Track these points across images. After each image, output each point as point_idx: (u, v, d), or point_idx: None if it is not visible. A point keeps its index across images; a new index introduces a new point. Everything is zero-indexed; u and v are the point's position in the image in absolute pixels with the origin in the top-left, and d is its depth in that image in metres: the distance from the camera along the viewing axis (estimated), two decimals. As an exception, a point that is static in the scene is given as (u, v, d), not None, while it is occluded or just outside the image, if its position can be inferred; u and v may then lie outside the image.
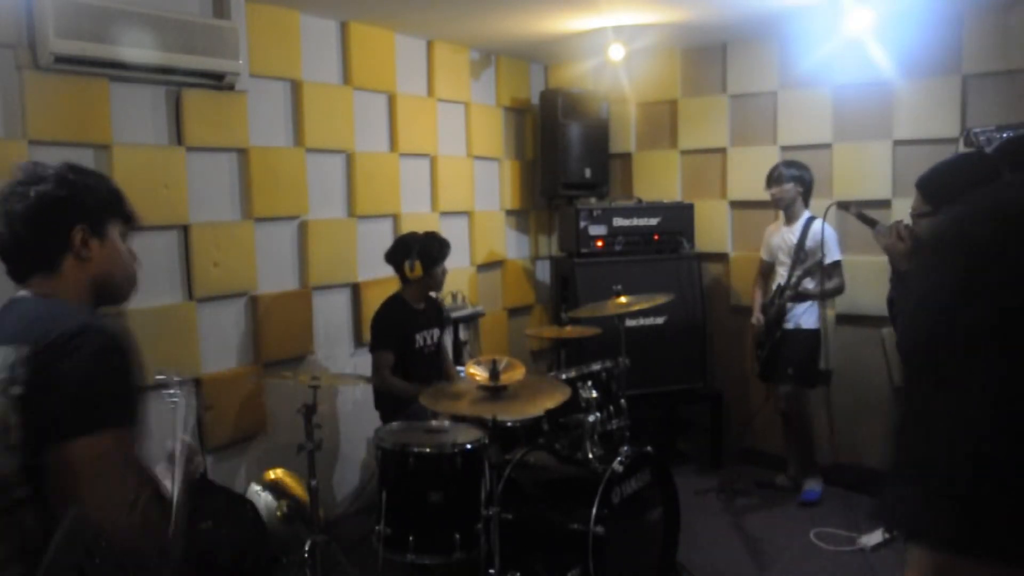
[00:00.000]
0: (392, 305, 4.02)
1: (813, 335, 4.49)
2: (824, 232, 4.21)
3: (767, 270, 4.78)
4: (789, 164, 4.53)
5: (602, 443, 3.43)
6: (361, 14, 4.42)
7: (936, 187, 2.28)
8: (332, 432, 4.45)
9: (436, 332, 4.12)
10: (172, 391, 1.91)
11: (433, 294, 4.19)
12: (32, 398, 1.46)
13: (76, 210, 1.64)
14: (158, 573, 1.56)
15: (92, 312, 1.63)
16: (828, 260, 4.29)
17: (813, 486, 4.53)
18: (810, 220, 4.42)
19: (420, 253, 3.94)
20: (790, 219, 4.52)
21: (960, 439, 0.58)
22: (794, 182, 4.43)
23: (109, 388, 1.49)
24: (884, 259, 4.64)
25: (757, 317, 4.61)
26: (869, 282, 4.50)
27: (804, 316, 4.43)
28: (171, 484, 1.65)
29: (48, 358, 1.46)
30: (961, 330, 0.57)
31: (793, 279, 4.35)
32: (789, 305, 4.40)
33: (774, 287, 4.57)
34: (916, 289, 0.63)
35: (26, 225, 1.60)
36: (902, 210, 4.70)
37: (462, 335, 5.10)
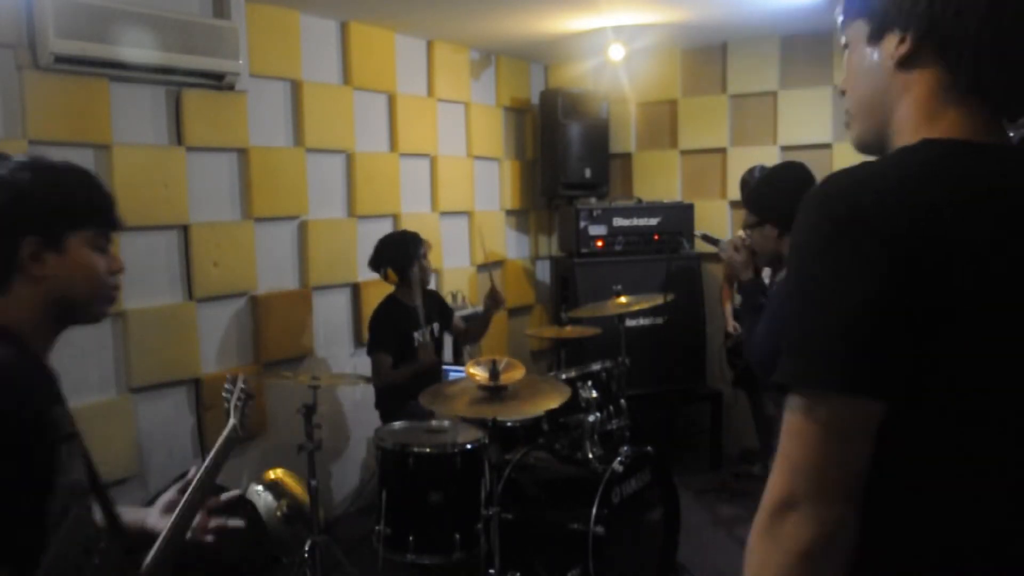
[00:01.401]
0: (387, 306, 4.02)
1: None
2: None
3: (735, 275, 4.75)
4: (763, 171, 4.41)
5: (602, 443, 3.42)
6: (361, 14, 4.42)
7: (756, 200, 2.58)
8: (332, 432, 4.44)
9: (436, 327, 4.12)
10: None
11: (430, 287, 4.20)
12: None
13: (24, 219, 1.34)
14: None
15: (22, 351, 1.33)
16: None
17: None
18: None
19: (390, 260, 3.96)
20: None
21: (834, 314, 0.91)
22: None
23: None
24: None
25: (733, 325, 4.51)
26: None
27: None
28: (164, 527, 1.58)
29: None
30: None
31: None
32: None
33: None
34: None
35: None
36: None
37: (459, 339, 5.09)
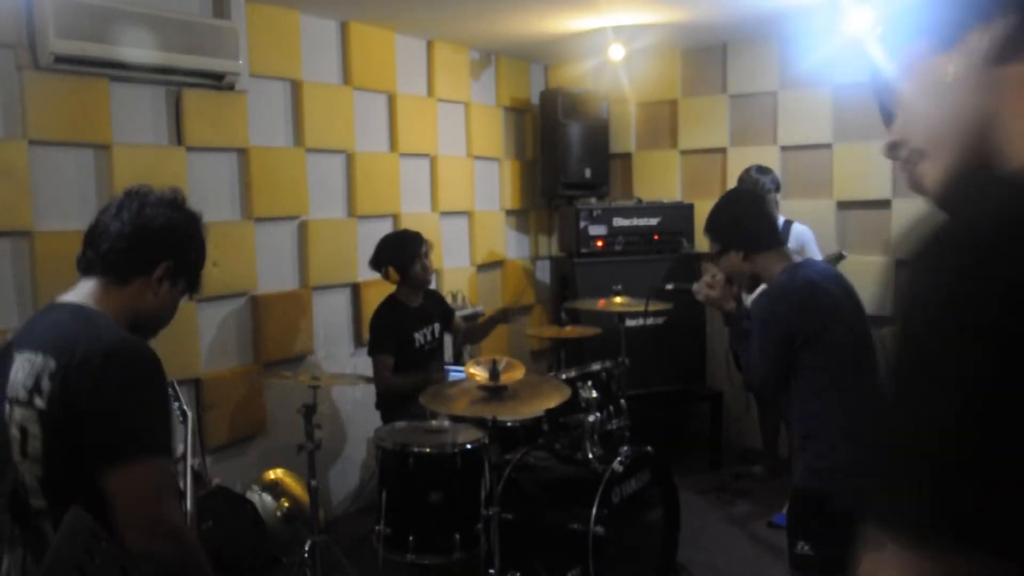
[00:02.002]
0: (388, 307, 4.02)
1: None
2: (805, 235, 4.24)
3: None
4: (761, 171, 4.37)
5: (602, 443, 3.42)
6: (361, 14, 4.42)
7: (713, 229, 2.63)
8: (332, 432, 4.44)
9: (437, 327, 4.12)
10: (179, 404, 1.97)
11: (431, 286, 4.20)
12: (55, 415, 1.46)
13: (178, 250, 1.71)
14: None
15: (124, 331, 1.61)
16: None
17: None
18: (788, 224, 4.32)
19: (391, 259, 3.96)
20: None
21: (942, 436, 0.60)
22: (775, 189, 4.32)
23: (139, 418, 1.48)
24: (882, 259, 4.68)
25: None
26: (865, 282, 4.48)
27: None
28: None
29: (76, 378, 1.46)
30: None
31: None
32: None
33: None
34: (905, 295, 0.66)
35: (135, 231, 1.65)
36: (902, 210, 4.72)
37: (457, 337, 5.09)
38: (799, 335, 2.32)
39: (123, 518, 1.42)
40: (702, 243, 5.31)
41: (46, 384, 1.47)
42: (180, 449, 1.81)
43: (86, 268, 1.68)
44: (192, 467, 1.81)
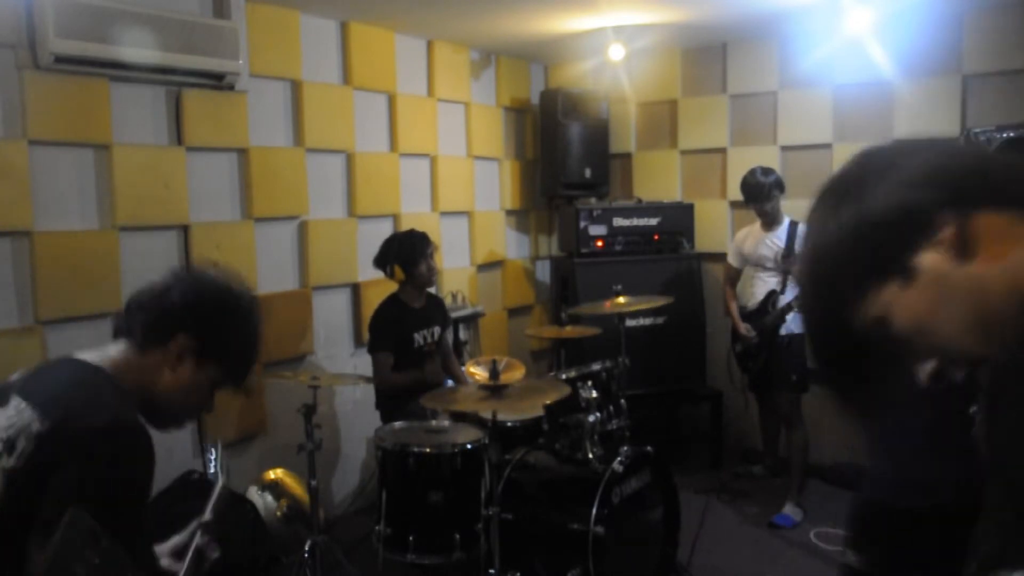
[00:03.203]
0: (389, 306, 4.02)
1: (804, 340, 4.43)
2: None
3: (736, 277, 4.73)
4: (765, 172, 4.35)
5: (602, 443, 3.42)
6: (361, 14, 4.42)
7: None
8: (332, 432, 4.45)
9: (437, 330, 4.12)
10: (210, 468, 1.86)
11: (432, 289, 4.20)
12: (20, 478, 1.34)
13: (204, 326, 1.55)
14: None
15: (127, 408, 1.46)
16: None
17: (792, 512, 4.34)
18: (794, 224, 4.33)
19: (397, 257, 3.96)
20: (770, 224, 4.39)
21: None
22: (779, 191, 4.31)
23: (113, 504, 1.34)
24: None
25: (747, 328, 4.46)
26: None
27: (794, 322, 4.33)
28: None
29: (58, 446, 1.34)
30: None
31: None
32: (793, 312, 4.31)
33: (761, 294, 4.44)
34: None
35: (158, 295, 1.55)
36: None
37: (462, 335, 5.10)
38: None
39: None
40: (702, 243, 5.33)
41: (22, 443, 1.35)
42: (180, 539, 1.70)
43: (116, 330, 1.57)
44: (198, 544, 1.67)
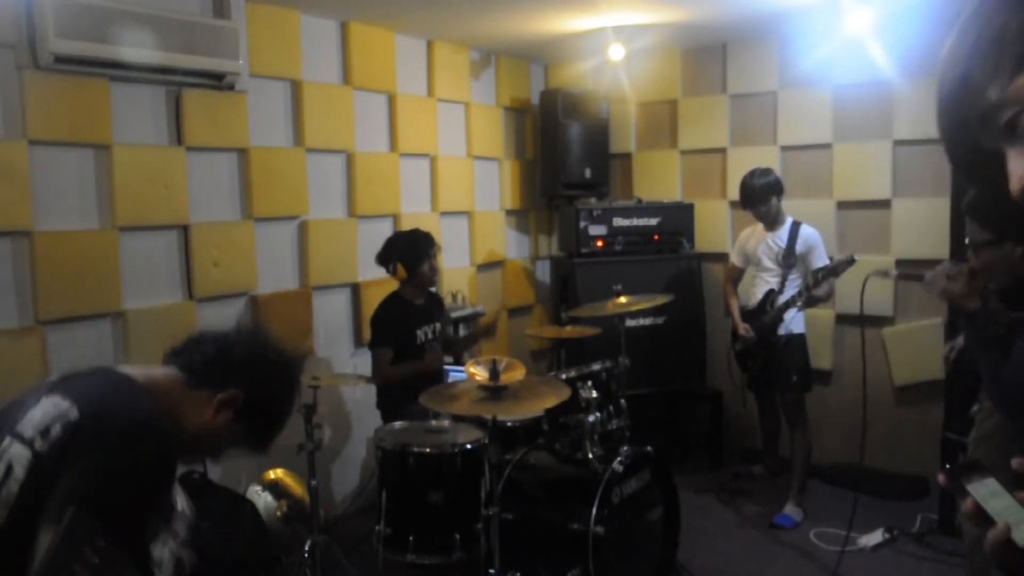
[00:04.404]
0: (391, 303, 4.03)
1: (804, 339, 4.44)
2: (813, 237, 4.24)
3: (738, 276, 4.72)
4: (762, 174, 4.34)
5: (602, 443, 3.42)
6: (361, 14, 4.42)
7: (997, 212, 2.16)
8: (332, 432, 4.45)
9: (437, 326, 4.14)
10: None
11: (433, 288, 4.21)
12: (46, 465, 1.37)
13: (256, 386, 1.64)
14: None
15: (158, 417, 1.51)
16: (819, 263, 4.23)
17: (793, 512, 4.33)
18: (796, 225, 4.32)
19: (400, 255, 3.96)
20: (773, 224, 4.38)
21: None
22: (774, 194, 4.30)
23: (111, 493, 1.38)
24: (886, 259, 4.68)
25: (746, 327, 4.44)
26: (870, 283, 4.48)
27: (794, 322, 4.32)
28: None
29: (87, 436, 1.38)
30: None
31: (809, 282, 4.17)
32: (795, 311, 4.30)
33: (761, 294, 4.43)
34: None
35: (229, 347, 1.64)
36: (902, 210, 4.71)
37: (462, 335, 5.09)
38: None
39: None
40: (702, 243, 5.33)
41: (56, 430, 1.38)
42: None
43: (169, 358, 1.65)
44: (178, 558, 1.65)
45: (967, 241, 2.34)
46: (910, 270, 2.76)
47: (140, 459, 1.43)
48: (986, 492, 1.00)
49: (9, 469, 1.37)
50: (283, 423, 1.73)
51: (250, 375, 1.64)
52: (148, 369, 1.60)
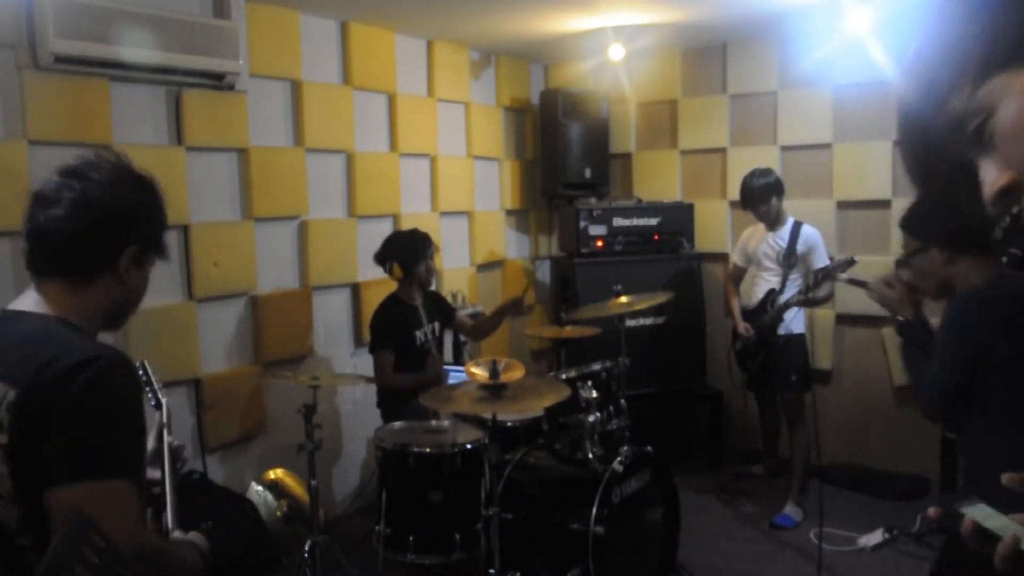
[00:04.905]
0: (389, 305, 4.03)
1: (804, 340, 4.44)
2: (813, 237, 4.24)
3: (740, 276, 4.72)
4: (762, 174, 4.34)
5: (602, 443, 3.42)
6: (361, 14, 4.42)
7: (924, 221, 2.26)
8: (332, 432, 4.44)
9: (436, 326, 4.13)
10: (155, 391, 1.89)
11: (432, 288, 4.21)
12: (19, 447, 1.32)
13: (142, 230, 1.51)
14: None
15: (92, 340, 1.46)
16: (820, 264, 4.23)
17: (793, 512, 4.34)
18: (797, 225, 4.32)
19: (398, 255, 3.96)
20: (774, 224, 4.38)
21: None
22: (773, 195, 4.30)
23: (102, 435, 1.33)
24: (886, 259, 4.68)
25: (745, 327, 4.45)
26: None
27: (794, 322, 4.32)
28: (164, 486, 1.66)
29: (38, 401, 1.31)
30: None
31: (809, 283, 4.17)
32: (795, 311, 4.30)
33: (761, 293, 4.43)
34: None
35: (79, 223, 1.43)
36: (902, 210, 4.70)
37: (462, 335, 5.09)
38: (993, 354, 2.05)
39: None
40: (702, 243, 5.33)
41: (4, 416, 1.32)
42: (152, 442, 1.70)
43: (38, 269, 1.48)
44: (169, 444, 1.71)
45: (899, 255, 2.42)
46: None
47: (97, 386, 1.34)
48: (982, 515, 1.04)
49: None
50: (166, 220, 1.59)
51: (129, 226, 1.49)
52: (37, 295, 1.47)
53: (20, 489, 1.33)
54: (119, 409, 1.37)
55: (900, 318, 2.34)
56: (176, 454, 1.73)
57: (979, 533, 1.03)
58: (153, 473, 1.67)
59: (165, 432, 1.72)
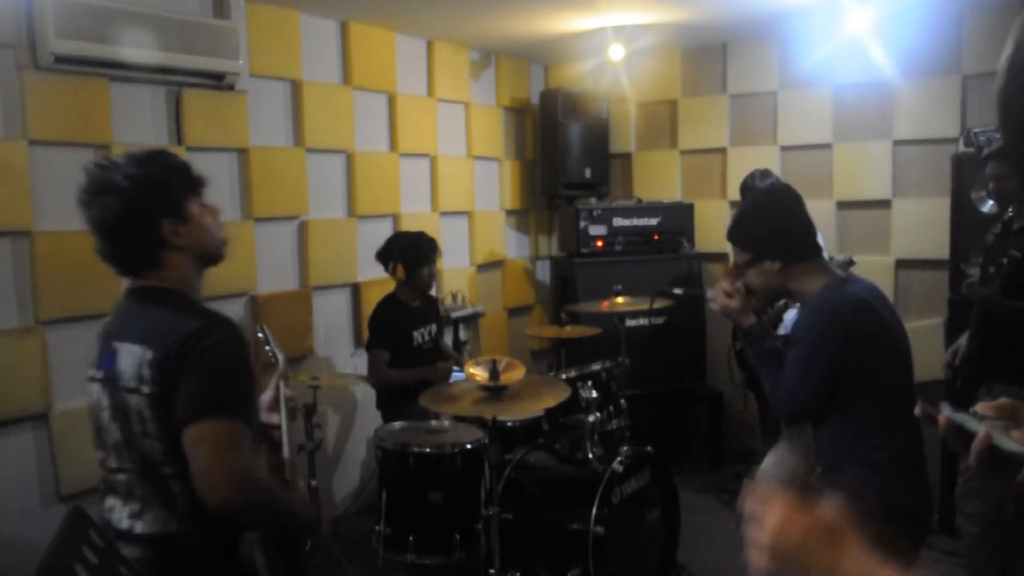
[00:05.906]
0: (388, 304, 4.03)
1: None
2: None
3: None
4: (762, 175, 4.35)
5: (602, 443, 3.42)
6: (361, 14, 4.42)
7: (750, 233, 2.32)
8: (332, 432, 4.45)
9: (433, 328, 4.13)
10: (275, 350, 2.15)
11: (432, 292, 4.21)
12: (163, 396, 1.64)
13: (157, 208, 1.75)
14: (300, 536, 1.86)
15: (205, 310, 1.77)
16: None
17: None
18: None
19: (402, 256, 3.96)
20: None
21: None
22: None
23: (220, 385, 1.64)
24: (886, 259, 4.68)
25: None
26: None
27: (792, 322, 4.35)
28: (281, 428, 1.91)
29: (175, 361, 1.63)
30: None
31: None
32: (794, 311, 4.29)
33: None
34: None
35: (115, 235, 1.74)
36: (902, 210, 4.71)
37: (462, 335, 5.10)
38: (849, 366, 2.10)
39: (196, 469, 1.58)
40: (702, 243, 5.33)
41: (147, 372, 1.65)
42: (271, 392, 1.99)
43: (128, 274, 1.80)
44: (285, 395, 1.98)
45: (730, 264, 2.46)
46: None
47: (218, 343, 1.66)
48: (962, 417, 1.11)
49: (140, 415, 1.67)
50: (190, 173, 1.85)
51: (153, 209, 1.75)
52: (144, 281, 1.78)
53: (161, 429, 1.65)
54: (232, 364, 1.68)
55: (745, 326, 2.37)
56: (291, 402, 2.01)
57: (954, 429, 1.10)
58: (271, 418, 1.93)
59: (282, 384, 1.99)
